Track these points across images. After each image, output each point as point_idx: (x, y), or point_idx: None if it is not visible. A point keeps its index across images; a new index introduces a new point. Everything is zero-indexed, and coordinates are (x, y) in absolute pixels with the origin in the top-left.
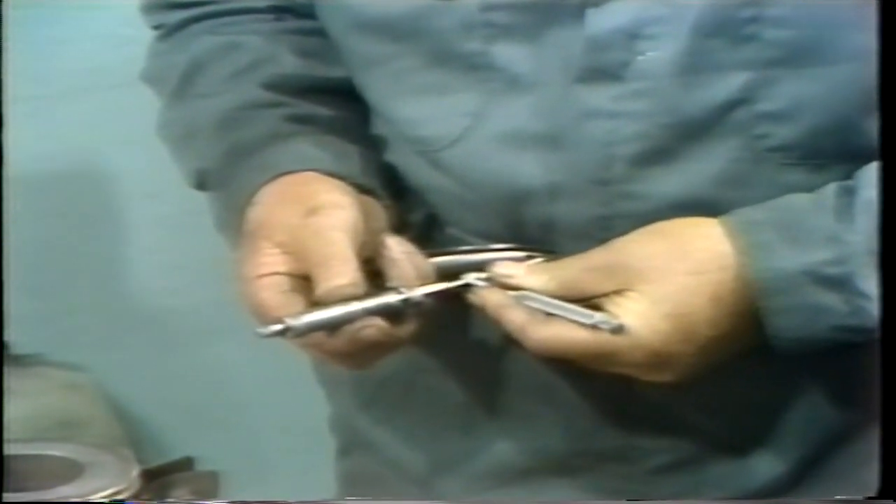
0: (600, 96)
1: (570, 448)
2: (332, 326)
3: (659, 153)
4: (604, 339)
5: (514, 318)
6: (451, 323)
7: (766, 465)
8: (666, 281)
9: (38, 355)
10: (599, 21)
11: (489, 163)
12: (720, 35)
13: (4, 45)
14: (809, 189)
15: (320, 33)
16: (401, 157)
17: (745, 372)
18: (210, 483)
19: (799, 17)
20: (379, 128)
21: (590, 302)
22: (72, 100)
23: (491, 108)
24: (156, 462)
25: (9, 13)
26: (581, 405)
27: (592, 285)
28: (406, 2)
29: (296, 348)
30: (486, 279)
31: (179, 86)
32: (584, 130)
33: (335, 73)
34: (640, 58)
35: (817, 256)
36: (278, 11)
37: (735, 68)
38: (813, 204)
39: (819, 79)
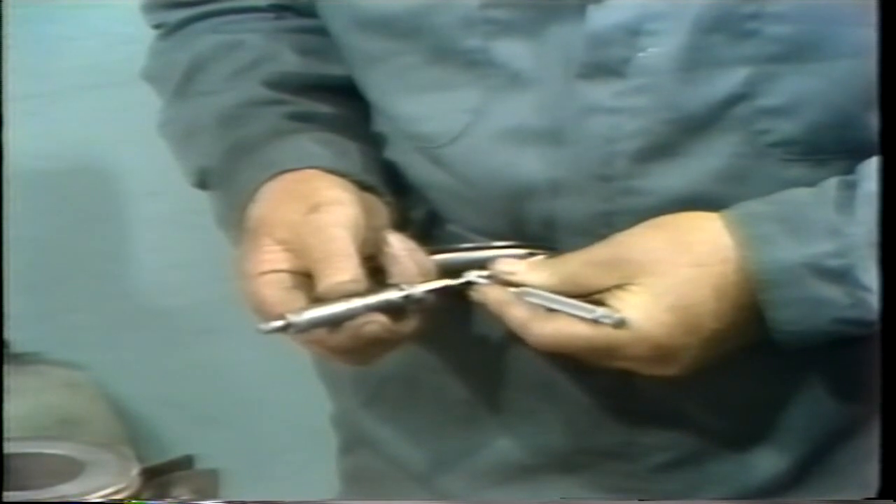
0: (601, 92)
1: (572, 445)
2: (334, 323)
3: (660, 149)
4: (606, 333)
5: (517, 314)
6: (452, 320)
7: (768, 462)
8: (668, 274)
9: (38, 353)
10: (600, 17)
11: (490, 159)
12: (721, 31)
13: (5, 42)
14: (810, 184)
15: (321, 31)
16: (401, 155)
17: (747, 368)
18: (210, 481)
19: (799, 13)
20: (380, 125)
21: (592, 297)
22: (72, 97)
23: (492, 105)
24: (156, 460)
25: (9, 11)
26: (582, 402)
27: (594, 280)
28: None
29: (297, 345)
30: (488, 276)
31: (181, 84)
32: (585, 127)
33: (336, 70)
34: (641, 54)
35: (818, 248)
36: (279, 10)
37: (736, 64)
38: (814, 197)
39: (820, 74)
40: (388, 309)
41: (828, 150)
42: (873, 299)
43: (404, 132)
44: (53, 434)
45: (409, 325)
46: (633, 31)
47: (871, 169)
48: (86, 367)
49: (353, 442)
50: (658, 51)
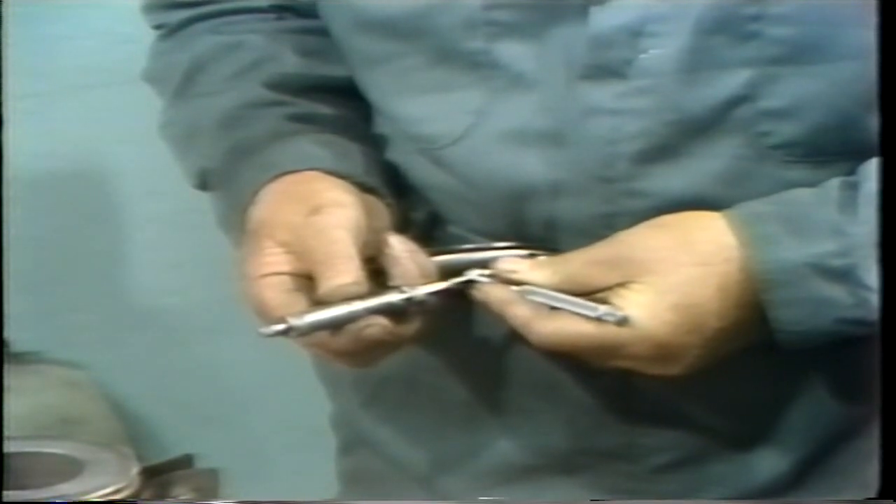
0: (603, 94)
1: (572, 446)
2: (335, 326)
3: (662, 151)
4: (609, 332)
5: (519, 312)
6: (453, 321)
7: (768, 463)
8: (671, 272)
9: (38, 353)
10: (603, 19)
11: (492, 160)
12: (723, 32)
13: (5, 42)
14: (812, 186)
15: (322, 32)
16: (403, 156)
17: (748, 369)
18: (210, 481)
19: (801, 15)
20: (381, 126)
21: (594, 296)
22: (71, 97)
23: (494, 106)
24: (155, 460)
25: (9, 10)
26: (583, 403)
27: (597, 278)
28: (409, 0)
29: (298, 347)
30: (490, 275)
31: (181, 85)
32: (586, 128)
33: (337, 72)
34: (643, 55)
35: (821, 248)
36: (280, 11)
37: (738, 66)
38: (816, 197)
39: (822, 76)
40: (390, 311)
41: (829, 151)
42: (876, 299)
43: (406, 133)
44: (53, 433)
45: (411, 327)
46: (635, 33)
47: (873, 169)
48: (85, 366)
49: (352, 442)
50: (660, 52)
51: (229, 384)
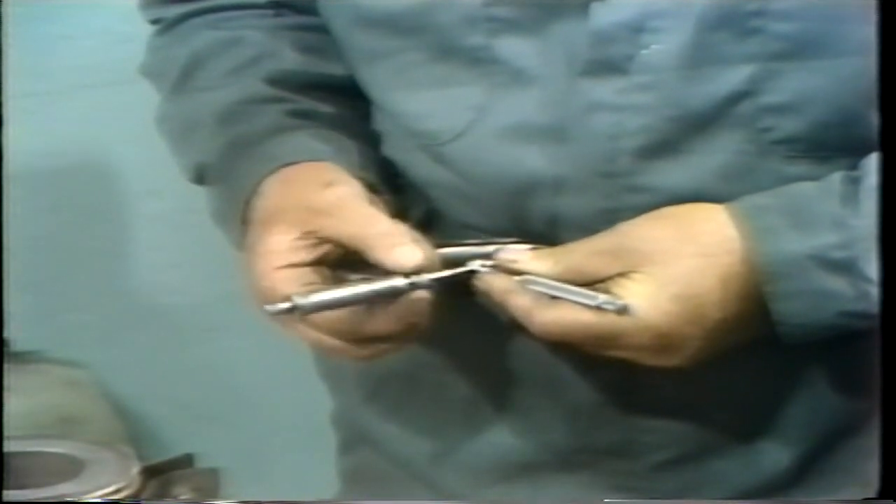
0: (605, 90)
1: (573, 443)
2: (339, 306)
3: (664, 146)
4: (609, 321)
5: (520, 302)
6: (453, 318)
7: (770, 460)
8: (673, 263)
9: (38, 352)
10: (604, 14)
11: (493, 156)
12: (725, 28)
13: (5, 41)
14: (814, 181)
15: (320, 30)
16: (403, 153)
17: (749, 365)
18: (210, 480)
19: (803, 10)
20: (381, 123)
21: (596, 286)
22: (71, 96)
23: (495, 102)
24: (156, 459)
25: (9, 10)
26: (584, 400)
27: (598, 268)
28: None
29: (304, 338)
30: (491, 265)
31: (179, 80)
32: (588, 124)
33: (335, 70)
34: (644, 51)
35: (823, 240)
36: (278, 7)
37: (740, 61)
38: (819, 190)
39: (824, 72)
40: (393, 296)
41: (831, 147)
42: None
43: (407, 129)
44: (53, 433)
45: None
46: (637, 29)
47: (875, 163)
48: (86, 365)
49: (353, 441)
50: (661, 48)
51: (229, 383)
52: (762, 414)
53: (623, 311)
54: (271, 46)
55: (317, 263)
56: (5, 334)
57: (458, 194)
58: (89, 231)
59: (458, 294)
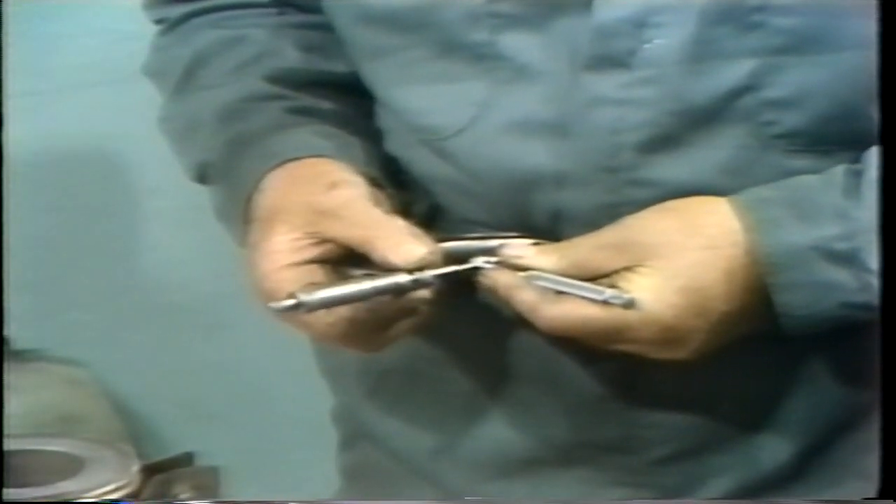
0: (607, 84)
1: (573, 438)
2: (344, 303)
3: (666, 140)
4: (615, 315)
5: (525, 297)
6: (454, 312)
7: (770, 454)
8: (678, 256)
9: (39, 351)
10: (607, 9)
11: (496, 151)
12: (727, 23)
13: (5, 40)
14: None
15: (323, 28)
16: (405, 149)
17: (749, 359)
18: (210, 479)
19: (805, 5)
20: (383, 119)
21: (601, 280)
22: (73, 95)
23: (498, 97)
24: (156, 457)
25: (10, 8)
26: (584, 395)
27: (603, 262)
28: None
29: (311, 330)
30: (496, 261)
31: (182, 79)
32: (591, 118)
33: (337, 67)
34: (646, 46)
35: (826, 232)
36: (280, 6)
37: (741, 56)
38: (821, 182)
39: (825, 66)
40: (396, 292)
41: (833, 141)
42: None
43: (409, 125)
44: (54, 431)
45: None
46: (639, 23)
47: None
48: (86, 364)
49: (353, 436)
50: (664, 42)
51: (230, 382)
52: (763, 408)
53: (630, 305)
54: (273, 45)
55: (319, 261)
56: (6, 333)
57: (460, 190)
58: (90, 229)
59: (459, 289)
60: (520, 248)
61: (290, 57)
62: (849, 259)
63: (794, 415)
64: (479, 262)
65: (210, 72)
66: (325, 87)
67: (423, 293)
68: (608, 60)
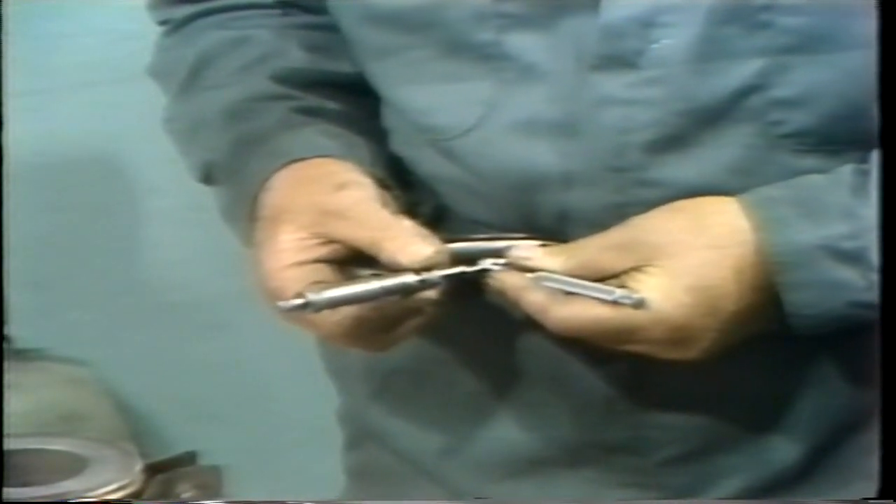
0: (615, 84)
1: (581, 439)
2: (352, 302)
3: (673, 140)
4: (625, 315)
5: (535, 299)
6: (461, 313)
7: (778, 455)
8: (686, 255)
9: (41, 350)
10: (614, 9)
11: (503, 151)
12: (734, 22)
13: (5, 39)
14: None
15: (328, 28)
16: (411, 149)
17: (757, 360)
18: (213, 478)
19: (812, 4)
20: (389, 119)
21: (609, 281)
22: (73, 94)
23: (504, 97)
24: (159, 457)
25: (9, 7)
26: (591, 396)
27: (611, 263)
28: None
29: (315, 330)
30: (504, 263)
31: (187, 80)
32: (598, 118)
33: (343, 68)
34: (654, 45)
35: (833, 231)
36: (285, 7)
37: (749, 55)
38: (829, 181)
39: (832, 65)
40: (404, 293)
41: (840, 140)
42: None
43: (415, 125)
44: (56, 430)
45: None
46: (647, 23)
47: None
48: (89, 363)
49: (359, 437)
50: (671, 42)
51: (233, 381)
52: (770, 409)
53: (640, 304)
54: (278, 45)
55: (325, 261)
56: (8, 332)
57: (466, 190)
58: (91, 229)
59: (467, 290)
60: (528, 250)
61: (296, 57)
62: (856, 258)
63: (802, 415)
64: (487, 263)
65: (215, 72)
66: (331, 88)
67: (430, 293)
68: (615, 60)
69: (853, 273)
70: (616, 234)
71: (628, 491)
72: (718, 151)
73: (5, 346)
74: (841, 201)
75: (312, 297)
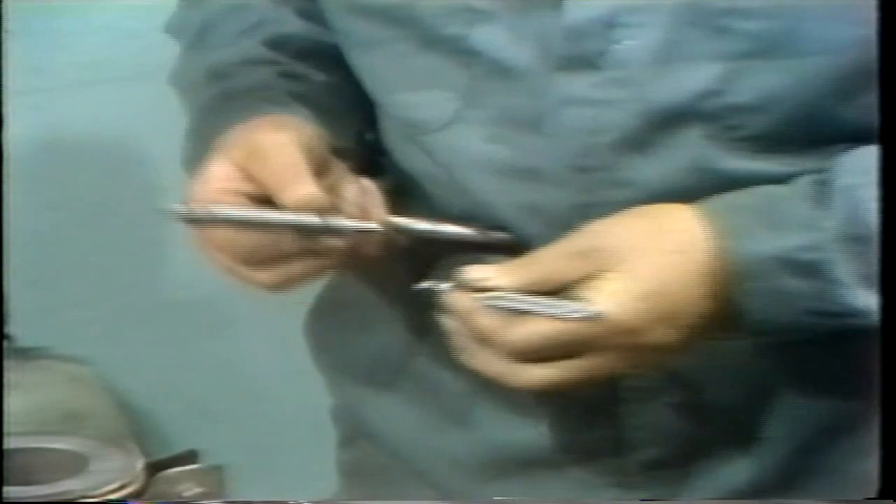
0: (579, 84)
1: (562, 441)
2: (239, 225)
3: (635, 142)
4: (581, 328)
5: (485, 323)
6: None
7: (762, 459)
8: (644, 260)
9: (42, 348)
10: (577, 10)
11: (472, 147)
12: (696, 26)
13: (6, 37)
14: (782, 177)
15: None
16: (396, 142)
17: (741, 363)
18: (215, 477)
19: (770, 9)
20: (379, 117)
21: (568, 291)
22: (75, 92)
23: (475, 93)
24: (160, 455)
25: (11, 6)
26: (572, 398)
27: (569, 271)
28: None
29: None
30: (455, 285)
31: (193, 40)
32: (563, 117)
33: (334, 38)
34: (616, 46)
35: (791, 242)
36: None
37: (710, 59)
38: (790, 191)
39: (791, 70)
40: (303, 230)
41: (797, 144)
42: (847, 293)
43: (397, 119)
44: (57, 429)
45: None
46: (609, 24)
47: (848, 164)
48: (90, 361)
49: (352, 435)
50: (634, 43)
51: (234, 380)
52: (754, 412)
53: (596, 317)
54: (275, 12)
55: (248, 196)
56: (8, 330)
57: (441, 184)
58: (93, 227)
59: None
60: (482, 271)
61: (290, 23)
62: (812, 270)
63: (786, 419)
64: (436, 283)
65: (215, 36)
66: (322, 57)
67: (336, 241)
68: (579, 60)
69: (808, 284)
70: (572, 242)
71: (613, 492)
72: (677, 153)
73: (6, 344)
74: (801, 212)
75: (199, 210)
